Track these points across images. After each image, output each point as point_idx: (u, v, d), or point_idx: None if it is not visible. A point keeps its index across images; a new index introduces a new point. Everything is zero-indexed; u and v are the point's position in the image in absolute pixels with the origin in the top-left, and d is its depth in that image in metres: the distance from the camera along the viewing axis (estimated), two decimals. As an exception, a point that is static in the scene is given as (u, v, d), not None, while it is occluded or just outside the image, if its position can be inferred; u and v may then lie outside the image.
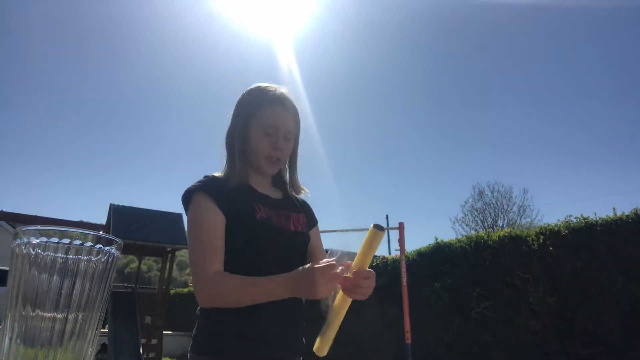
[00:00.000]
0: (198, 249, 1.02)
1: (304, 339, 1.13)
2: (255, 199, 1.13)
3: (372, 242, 0.92)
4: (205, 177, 1.15)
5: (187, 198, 1.09)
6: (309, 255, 1.19)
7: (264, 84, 1.20)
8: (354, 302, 0.96)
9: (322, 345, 0.97)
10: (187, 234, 1.09)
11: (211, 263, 1.01)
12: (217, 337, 1.02)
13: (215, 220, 1.05)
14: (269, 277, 0.96)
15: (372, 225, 0.93)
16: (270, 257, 1.06)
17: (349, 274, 0.93)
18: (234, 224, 1.06)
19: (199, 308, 1.07)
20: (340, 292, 0.95)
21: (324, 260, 0.91)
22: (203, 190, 1.08)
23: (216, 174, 1.17)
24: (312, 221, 1.27)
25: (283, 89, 1.19)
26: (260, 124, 1.14)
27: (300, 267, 0.93)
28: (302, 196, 1.29)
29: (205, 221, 1.05)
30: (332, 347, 0.98)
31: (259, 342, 1.02)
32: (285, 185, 1.26)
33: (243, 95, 1.19)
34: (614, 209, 4.34)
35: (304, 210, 1.25)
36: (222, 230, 1.05)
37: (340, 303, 0.96)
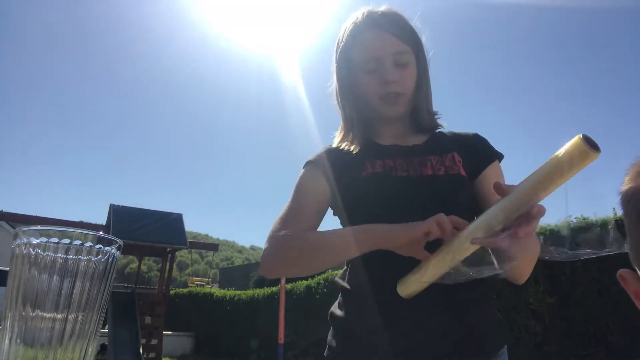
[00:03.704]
0: (280, 215, 0.89)
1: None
2: (371, 155, 0.93)
3: (570, 164, 0.56)
4: (325, 147, 1.00)
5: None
6: (481, 201, 0.90)
7: (353, 14, 0.95)
8: None
9: (406, 285, 0.74)
10: None
11: (284, 225, 0.85)
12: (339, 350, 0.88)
13: (313, 188, 0.92)
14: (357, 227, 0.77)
15: (579, 135, 0.56)
16: (393, 214, 0.80)
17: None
18: (343, 194, 0.91)
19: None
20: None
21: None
22: (312, 162, 0.96)
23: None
24: (476, 158, 0.93)
25: (371, 8, 0.93)
26: (358, 64, 0.92)
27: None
28: (467, 131, 1.00)
29: (298, 190, 0.93)
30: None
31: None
32: (430, 117, 0.99)
33: (337, 41, 0.98)
34: (614, 209, 4.33)
35: (466, 146, 0.95)
36: (316, 198, 0.91)
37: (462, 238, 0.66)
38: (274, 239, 0.84)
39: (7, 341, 0.42)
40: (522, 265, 0.82)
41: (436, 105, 1.01)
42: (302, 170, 0.98)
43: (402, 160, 0.92)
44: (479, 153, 0.95)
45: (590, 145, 0.55)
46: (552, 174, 0.58)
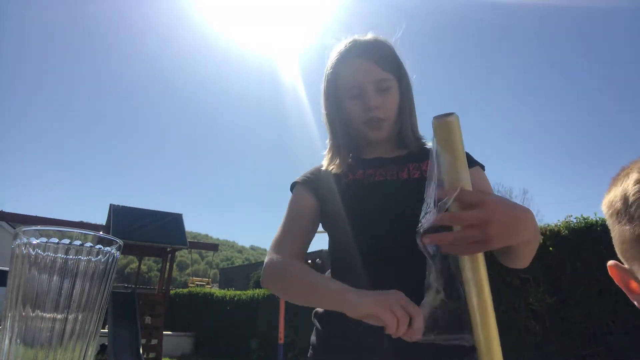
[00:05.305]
0: (277, 233, 0.95)
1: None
2: (355, 167, 1.00)
3: (440, 143, 0.59)
4: (313, 168, 1.06)
5: (291, 192, 1.04)
6: None
7: (339, 45, 1.00)
8: None
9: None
10: None
11: (282, 246, 0.92)
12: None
13: (304, 204, 0.98)
14: (331, 280, 0.79)
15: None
16: (368, 215, 0.90)
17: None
18: (326, 204, 0.97)
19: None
20: (464, 259, 0.61)
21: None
22: (301, 182, 1.02)
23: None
24: None
25: (357, 37, 0.98)
26: (343, 91, 0.97)
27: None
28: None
29: (291, 209, 0.99)
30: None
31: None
32: (417, 141, 1.03)
33: (325, 70, 1.03)
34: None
35: None
36: (309, 215, 0.97)
37: (470, 273, 0.61)
38: (270, 263, 0.89)
39: (7, 341, 0.42)
40: (517, 252, 0.76)
41: (429, 109, 1.03)
42: (292, 192, 1.03)
43: (383, 169, 0.97)
44: None
45: (441, 117, 0.60)
46: (440, 160, 0.61)
